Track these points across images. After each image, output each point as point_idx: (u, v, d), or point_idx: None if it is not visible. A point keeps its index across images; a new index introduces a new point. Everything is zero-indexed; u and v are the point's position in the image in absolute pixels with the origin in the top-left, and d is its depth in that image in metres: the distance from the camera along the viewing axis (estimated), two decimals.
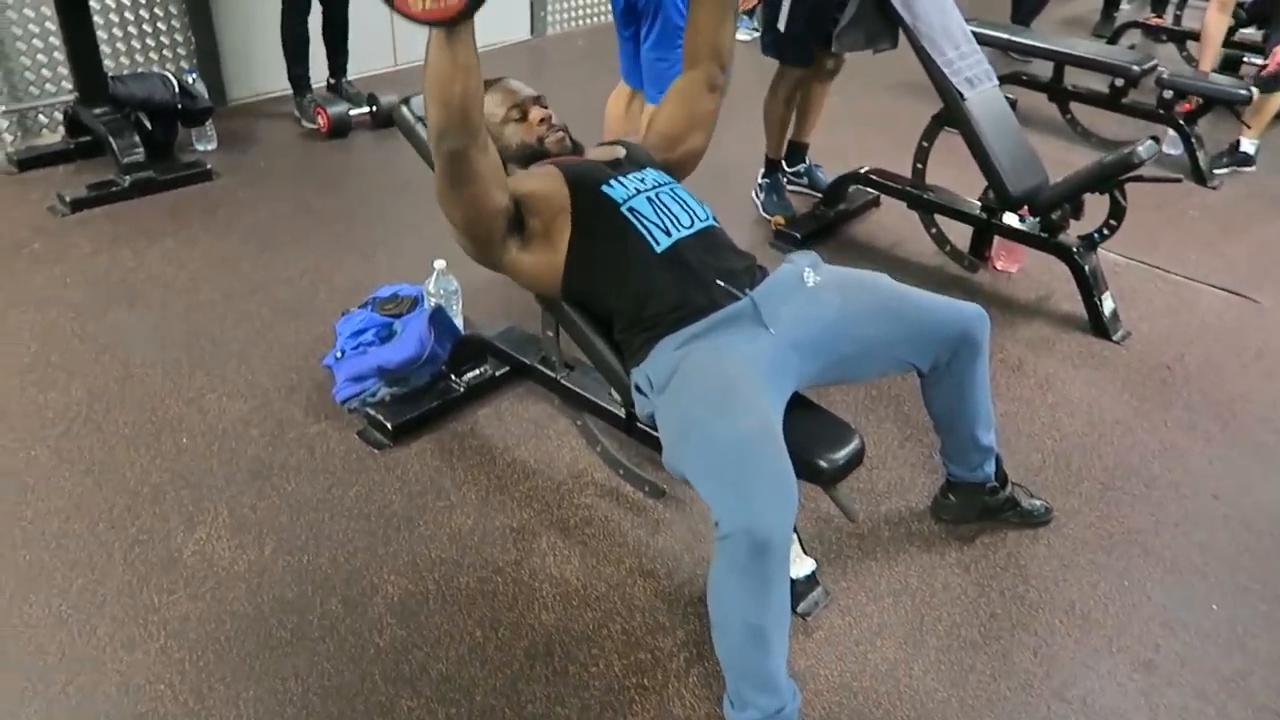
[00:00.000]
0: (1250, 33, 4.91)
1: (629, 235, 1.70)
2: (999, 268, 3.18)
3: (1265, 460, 2.38)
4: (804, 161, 3.60)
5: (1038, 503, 2.12)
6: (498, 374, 2.43)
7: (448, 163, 1.59)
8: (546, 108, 1.98)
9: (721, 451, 1.45)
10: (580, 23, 5.50)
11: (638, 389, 1.67)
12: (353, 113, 3.89)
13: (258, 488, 2.09)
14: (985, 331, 1.84)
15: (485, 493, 2.13)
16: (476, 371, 2.41)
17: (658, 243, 1.70)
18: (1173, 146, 4.17)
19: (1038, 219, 2.86)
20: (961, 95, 2.79)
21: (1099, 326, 2.84)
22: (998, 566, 2.02)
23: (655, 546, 2.02)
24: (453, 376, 2.39)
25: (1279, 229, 3.65)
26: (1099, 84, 4.11)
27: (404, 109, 2.02)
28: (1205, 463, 2.36)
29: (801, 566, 1.91)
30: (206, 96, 3.55)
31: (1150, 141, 2.65)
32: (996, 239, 3.14)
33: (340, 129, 3.83)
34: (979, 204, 3.00)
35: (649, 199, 1.76)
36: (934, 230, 3.18)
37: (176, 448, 2.20)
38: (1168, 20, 5.60)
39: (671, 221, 1.74)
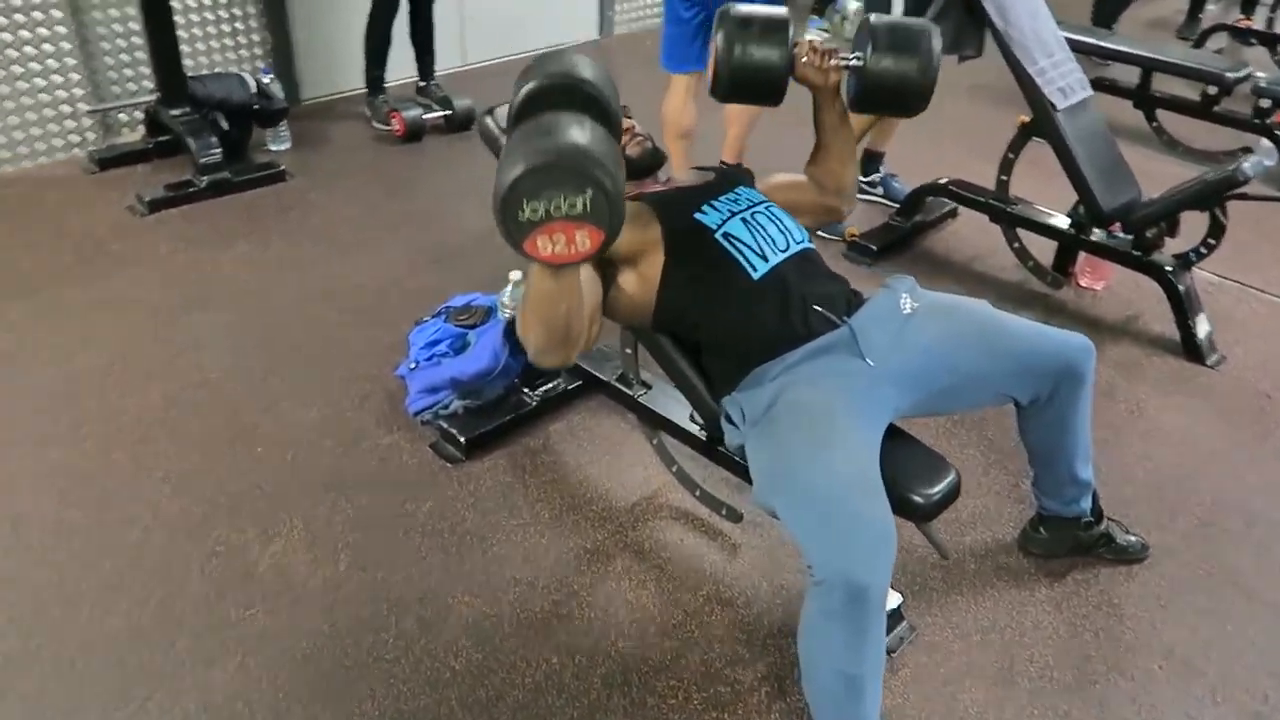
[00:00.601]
0: None
1: (724, 263, 1.65)
2: (1084, 285, 3.07)
3: None
4: (879, 171, 3.52)
5: (1133, 539, 2.03)
6: (570, 388, 2.40)
7: (545, 362, 1.54)
8: (630, 117, 1.93)
9: (819, 495, 1.39)
10: (648, 23, 5.45)
11: (728, 419, 1.62)
12: (427, 116, 3.89)
13: (331, 500, 2.08)
14: (1091, 364, 1.76)
15: (559, 511, 2.10)
16: (549, 385, 2.38)
17: (754, 269, 1.65)
18: (1268, 157, 3.99)
19: (1130, 236, 2.74)
20: (1054, 106, 2.68)
21: (1193, 350, 2.71)
22: (1090, 605, 1.94)
23: (733, 573, 1.97)
24: (525, 390, 2.36)
25: None
26: (1188, 91, 3.96)
27: (488, 120, 2.00)
28: None
29: (887, 600, 1.84)
30: (282, 97, 3.57)
31: (1256, 158, 2.53)
32: (1082, 255, 3.03)
33: (415, 133, 3.83)
34: (1067, 218, 2.89)
35: (744, 220, 1.70)
36: (1016, 245, 3.07)
37: (252, 457, 2.20)
38: (1258, 22, 5.36)
39: (768, 244, 1.68)
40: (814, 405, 1.52)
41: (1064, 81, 2.72)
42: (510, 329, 2.32)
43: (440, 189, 3.55)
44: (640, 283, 1.69)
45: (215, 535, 1.98)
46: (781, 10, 1.85)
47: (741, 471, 1.87)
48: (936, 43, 1.79)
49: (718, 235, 1.67)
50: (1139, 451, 2.37)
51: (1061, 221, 2.91)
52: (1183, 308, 2.70)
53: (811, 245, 1.76)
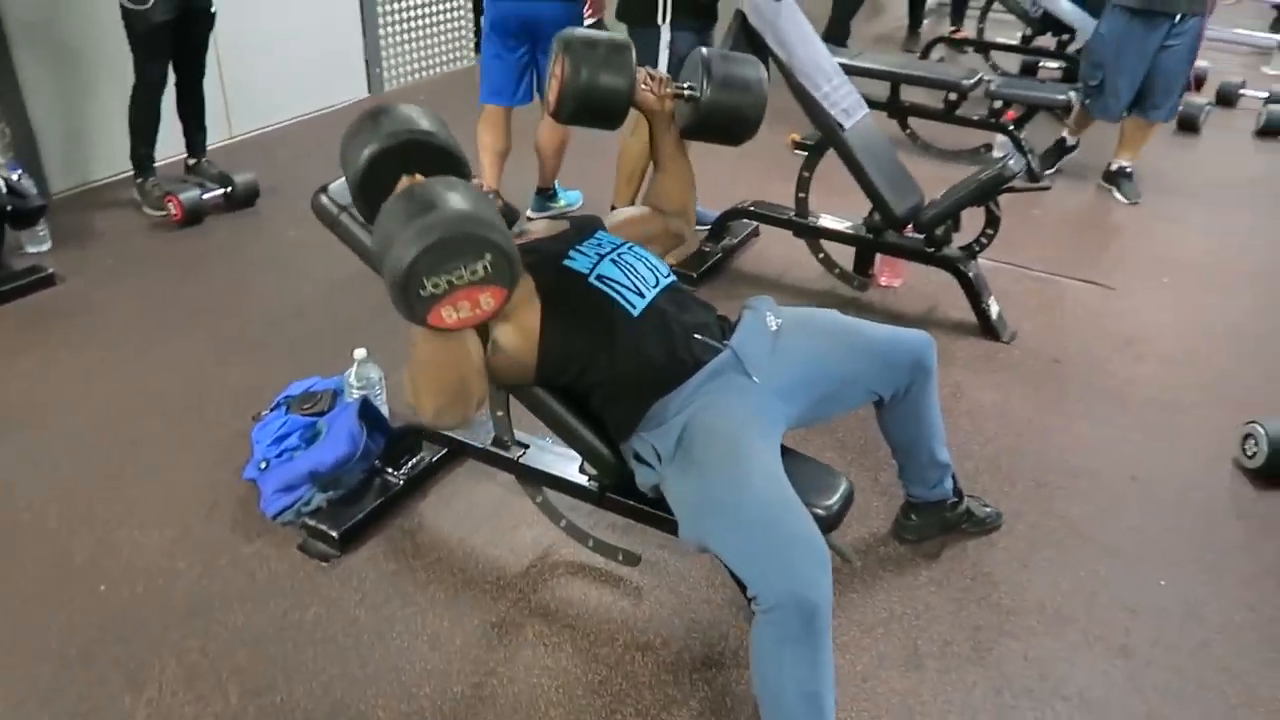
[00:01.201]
0: (1045, 40, 5.40)
1: (603, 305, 1.66)
2: (884, 283, 3.33)
3: (1161, 437, 2.60)
4: None
5: (989, 509, 2.22)
6: (434, 460, 2.32)
7: (444, 422, 1.56)
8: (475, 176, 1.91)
9: (751, 521, 1.43)
10: (419, 75, 5.39)
11: (639, 459, 1.63)
12: (205, 196, 3.63)
13: (202, 627, 1.90)
14: (934, 355, 1.92)
15: (454, 589, 2.02)
16: (413, 461, 2.29)
17: (633, 306, 1.67)
18: (1001, 150, 4.52)
19: (922, 235, 3.01)
20: (841, 126, 2.90)
21: (989, 330, 3.01)
22: (967, 578, 2.10)
23: (643, 616, 1.97)
24: (389, 470, 2.26)
25: (1110, 220, 4.01)
26: (931, 99, 4.39)
27: (323, 199, 1.89)
28: (1114, 447, 2.54)
29: None
30: (37, 193, 3.23)
31: (1015, 155, 2.84)
32: (879, 257, 3.29)
33: (195, 215, 3.57)
34: (864, 226, 3.13)
35: (613, 261, 1.72)
36: (821, 255, 3.29)
37: (95, 597, 1.97)
38: (970, 31, 6.04)
39: (641, 281, 1.71)
40: (722, 430, 1.57)
41: (845, 103, 2.95)
42: (365, 409, 2.22)
43: (235, 271, 3.33)
44: (519, 337, 1.66)
45: (74, 695, 1.75)
46: (622, 36, 1.90)
47: (636, 514, 1.89)
48: (763, 74, 1.90)
49: (591, 279, 1.69)
50: (969, 429, 2.60)
51: (858, 228, 3.15)
52: (976, 294, 3.00)
53: (677, 278, 1.81)
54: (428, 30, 5.33)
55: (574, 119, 1.88)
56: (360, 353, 2.31)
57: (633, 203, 2.90)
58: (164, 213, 3.60)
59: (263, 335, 2.91)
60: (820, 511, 1.65)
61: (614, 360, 1.65)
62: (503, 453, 2.05)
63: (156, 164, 3.71)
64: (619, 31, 2.86)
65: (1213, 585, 2.10)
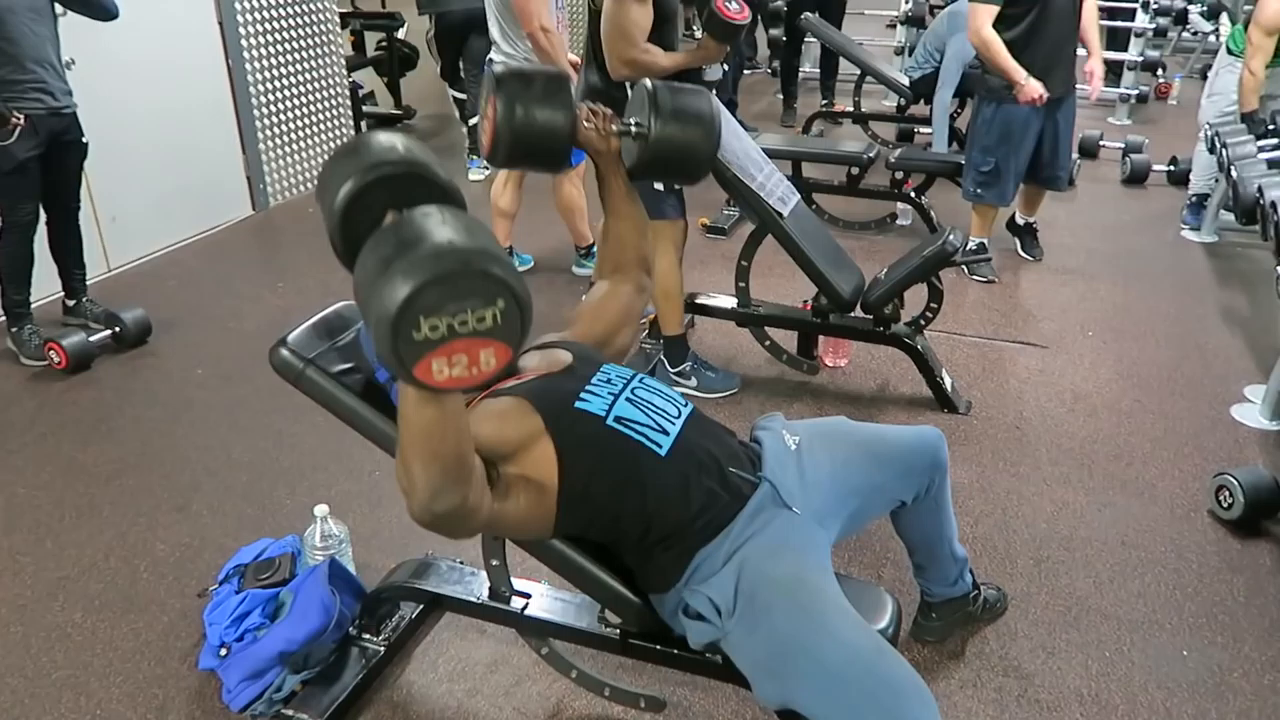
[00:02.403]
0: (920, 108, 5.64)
1: (627, 450, 1.51)
2: (830, 364, 3.30)
3: (1135, 495, 2.62)
4: None
5: (993, 592, 2.16)
6: (414, 615, 2.10)
7: (443, 514, 1.26)
8: None
9: (849, 675, 1.31)
10: (305, 187, 5.16)
11: (695, 616, 1.47)
12: (92, 339, 3.30)
13: None
14: (946, 451, 1.86)
15: None
16: (392, 622, 2.06)
17: (659, 446, 1.53)
18: (904, 218, 4.64)
19: (870, 315, 3.00)
20: (780, 214, 2.88)
21: (946, 403, 3.01)
22: (999, 674, 2.02)
23: None
24: (366, 637, 2.02)
25: (1020, 279, 4.13)
26: (833, 174, 4.48)
27: (284, 353, 1.69)
28: (1097, 511, 2.54)
29: None
30: None
31: (957, 230, 2.88)
32: (822, 339, 3.27)
33: (82, 361, 3.23)
34: (810, 310, 3.10)
35: (629, 400, 1.58)
36: (768, 343, 3.24)
37: None
38: (845, 104, 6.26)
39: (661, 416, 1.57)
40: (783, 574, 1.44)
41: (779, 191, 2.94)
42: (335, 570, 2.00)
43: (141, 422, 3.01)
44: (534, 485, 1.47)
45: None
46: (558, 69, 1.74)
47: (666, 659, 1.74)
48: (716, 106, 1.76)
49: (609, 422, 1.54)
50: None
51: (804, 314, 3.12)
52: (929, 368, 3.00)
53: (693, 406, 1.69)
54: (309, 140, 5.13)
55: (511, 161, 1.69)
56: (321, 509, 2.08)
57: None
58: (46, 362, 3.25)
59: (187, 494, 2.61)
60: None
61: (643, 510, 1.50)
62: (503, 606, 1.86)
63: (32, 308, 3.37)
64: None
65: (1231, 649, 2.09)
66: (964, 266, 3.99)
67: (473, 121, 5.49)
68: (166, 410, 3.05)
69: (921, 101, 5.56)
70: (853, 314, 3.05)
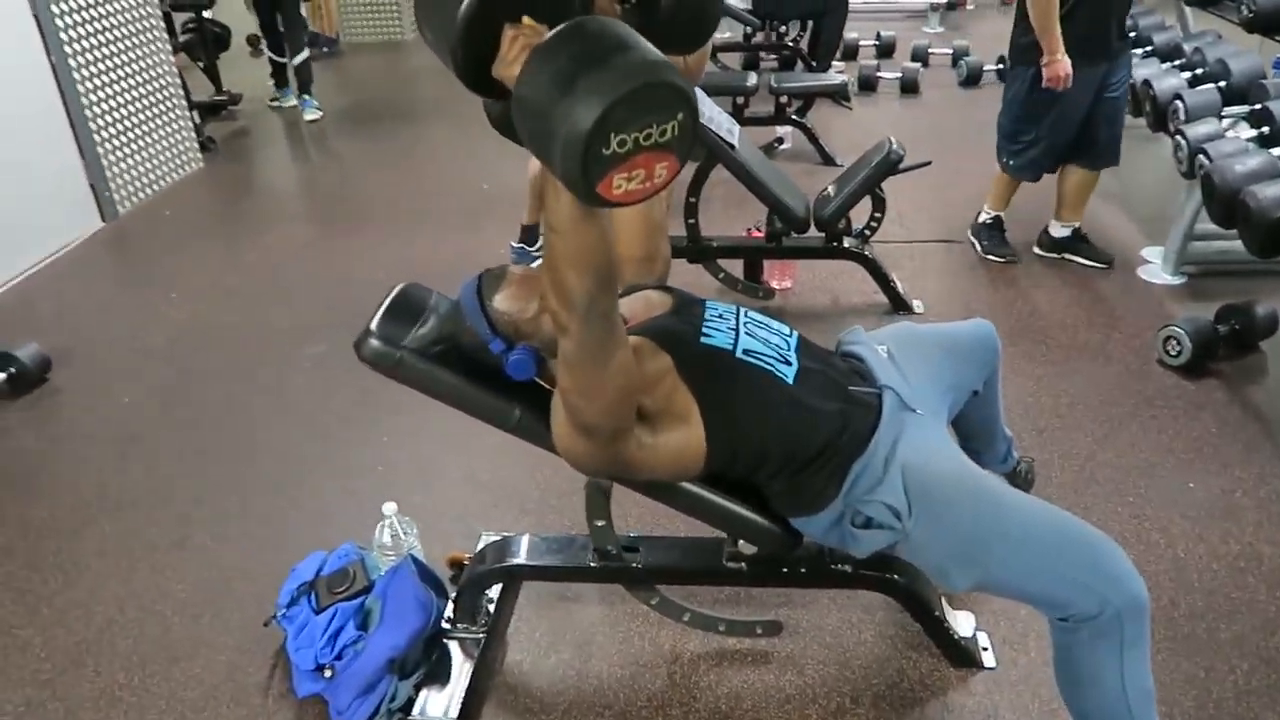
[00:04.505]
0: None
1: (758, 381, 1.52)
2: (778, 287, 3.40)
3: (1092, 358, 2.90)
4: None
5: (1026, 465, 2.31)
6: (495, 596, 2.03)
7: (600, 329, 1.26)
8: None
9: (1044, 544, 1.40)
10: (156, 187, 4.70)
11: (864, 525, 1.51)
12: None
13: None
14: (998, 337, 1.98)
15: None
16: (487, 604, 1.99)
17: (786, 375, 1.55)
18: (788, 141, 4.79)
19: (822, 232, 3.10)
20: (731, 145, 2.92)
21: (901, 304, 3.18)
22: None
23: (815, 681, 1.86)
24: (460, 626, 1.95)
25: (925, 183, 4.35)
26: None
27: (375, 343, 1.57)
28: (1068, 378, 2.79)
29: (966, 624, 1.91)
30: None
31: (894, 140, 3.00)
32: (767, 263, 3.35)
33: None
34: (763, 235, 3.17)
35: (747, 334, 1.59)
36: (722, 275, 3.29)
37: None
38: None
39: (779, 346, 1.59)
40: (941, 468, 1.51)
41: (725, 124, 2.97)
42: (421, 568, 1.91)
43: (87, 461, 2.68)
44: (678, 425, 1.47)
45: None
46: None
47: (797, 581, 1.81)
48: None
49: (739, 355, 1.54)
50: None
51: (754, 240, 3.19)
52: (883, 274, 3.15)
53: (798, 333, 1.71)
54: (148, 137, 4.67)
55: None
56: (390, 507, 1.97)
57: None
58: None
59: (178, 529, 2.37)
60: None
61: (790, 435, 1.52)
62: (618, 564, 1.84)
63: None
64: None
65: (1224, 474, 2.37)
66: (976, 244, 3.59)
67: (299, 60, 5.77)
68: (111, 446, 2.75)
69: (766, 26, 5.68)
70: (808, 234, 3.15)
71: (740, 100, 4.42)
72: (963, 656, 1.87)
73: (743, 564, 1.78)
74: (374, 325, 1.60)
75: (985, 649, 1.89)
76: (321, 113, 5.88)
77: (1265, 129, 2.90)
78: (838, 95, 4.59)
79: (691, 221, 3.18)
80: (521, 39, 1.12)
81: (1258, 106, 3.01)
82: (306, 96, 5.89)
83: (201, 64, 6.02)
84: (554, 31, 1.07)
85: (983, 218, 3.61)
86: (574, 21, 1.08)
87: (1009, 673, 1.85)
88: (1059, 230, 3.51)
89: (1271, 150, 2.73)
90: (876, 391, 1.62)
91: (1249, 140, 2.85)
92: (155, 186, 4.74)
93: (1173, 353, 2.78)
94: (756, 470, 1.57)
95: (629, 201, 1.09)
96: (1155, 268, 3.37)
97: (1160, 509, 2.25)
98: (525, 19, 1.15)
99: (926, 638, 1.89)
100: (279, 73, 6.09)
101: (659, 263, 1.81)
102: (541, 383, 1.55)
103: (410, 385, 1.61)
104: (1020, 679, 1.83)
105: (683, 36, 1.62)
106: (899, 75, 5.67)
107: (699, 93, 2.86)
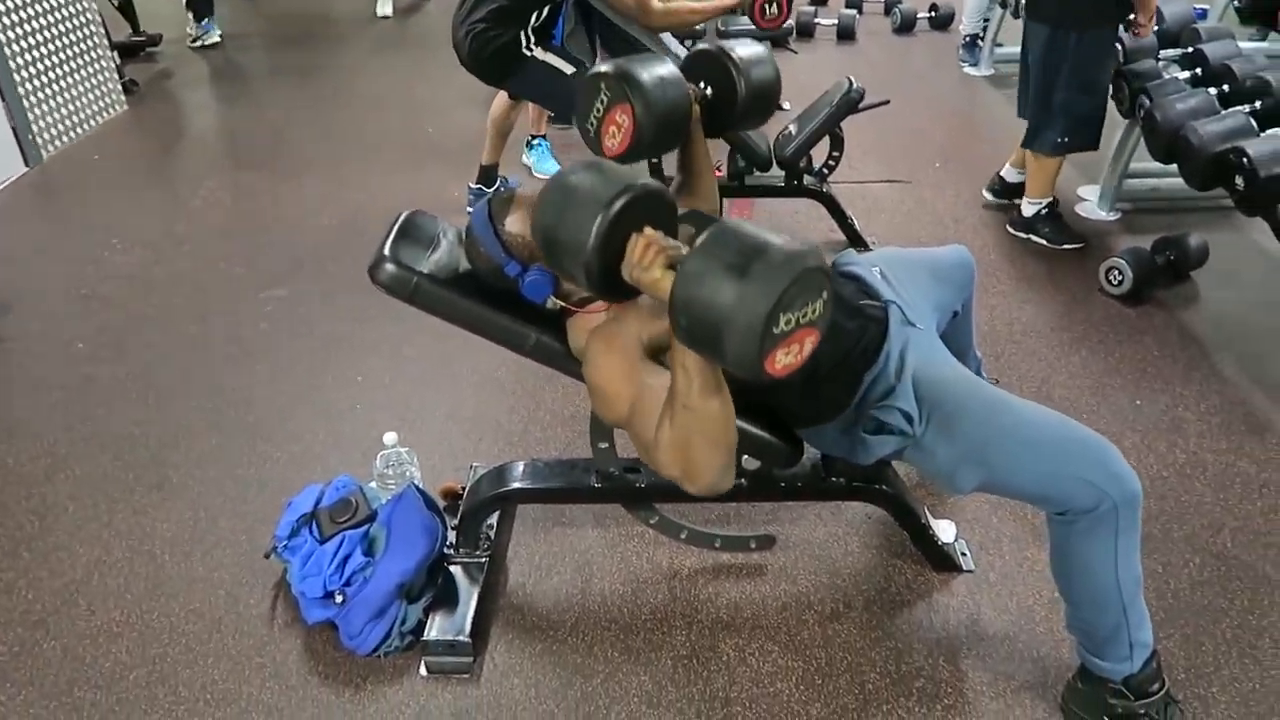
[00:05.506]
0: None
1: None
2: None
3: (1040, 287, 3.03)
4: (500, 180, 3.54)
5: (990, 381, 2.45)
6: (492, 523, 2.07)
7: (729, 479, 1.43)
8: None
9: (1045, 443, 1.50)
10: (76, 132, 4.49)
11: (877, 431, 1.59)
12: None
13: None
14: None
15: (621, 645, 1.85)
16: (484, 528, 2.02)
17: None
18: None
19: (784, 170, 3.16)
20: None
21: (858, 240, 3.27)
22: None
23: (809, 589, 1.96)
24: (463, 550, 1.98)
25: (868, 128, 4.45)
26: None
27: (390, 268, 1.57)
28: (1020, 307, 2.93)
29: (948, 531, 2.02)
30: None
31: (853, 79, 3.07)
32: (726, 202, 3.40)
33: None
34: (724, 174, 3.21)
35: None
36: None
37: None
38: None
39: None
40: (947, 376, 1.61)
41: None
42: (423, 494, 1.94)
43: (45, 408, 2.58)
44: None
45: None
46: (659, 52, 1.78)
47: (794, 494, 1.89)
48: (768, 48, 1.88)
49: None
50: None
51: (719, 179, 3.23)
52: (841, 211, 3.23)
53: None
54: (70, 78, 4.45)
55: (646, 153, 1.73)
56: (391, 436, 1.99)
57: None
58: None
59: (155, 471, 2.33)
60: None
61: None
62: (621, 484, 1.89)
63: None
64: None
65: (1169, 392, 2.54)
66: (1035, 238, 3.33)
67: None
68: (67, 393, 2.66)
69: None
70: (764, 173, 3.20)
71: (690, 44, 4.42)
72: (945, 561, 1.98)
73: (742, 480, 1.85)
74: (386, 250, 1.61)
75: (964, 554, 2.01)
76: (220, 36, 5.89)
77: (1198, 69, 3.06)
78: (782, 41, 4.64)
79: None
80: (655, 245, 1.26)
81: (1190, 50, 3.17)
82: (207, 19, 5.81)
83: (115, 1, 5.72)
84: (706, 235, 1.20)
85: (1029, 210, 3.31)
86: (716, 226, 1.22)
87: (987, 574, 1.98)
88: (1014, 176, 3.58)
89: (1209, 90, 2.88)
90: (883, 306, 1.70)
91: (1184, 81, 3.01)
92: (79, 129, 4.53)
93: (1114, 282, 2.94)
94: (778, 386, 1.64)
95: (784, 375, 1.22)
96: (1091, 205, 3.54)
97: (1112, 424, 2.40)
98: (648, 229, 1.29)
99: (909, 547, 2.01)
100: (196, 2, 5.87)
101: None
102: (558, 302, 1.59)
103: (426, 310, 1.63)
104: (998, 580, 1.96)
105: (755, 119, 1.81)
106: (835, 22, 5.74)
107: (666, 36, 2.89)
